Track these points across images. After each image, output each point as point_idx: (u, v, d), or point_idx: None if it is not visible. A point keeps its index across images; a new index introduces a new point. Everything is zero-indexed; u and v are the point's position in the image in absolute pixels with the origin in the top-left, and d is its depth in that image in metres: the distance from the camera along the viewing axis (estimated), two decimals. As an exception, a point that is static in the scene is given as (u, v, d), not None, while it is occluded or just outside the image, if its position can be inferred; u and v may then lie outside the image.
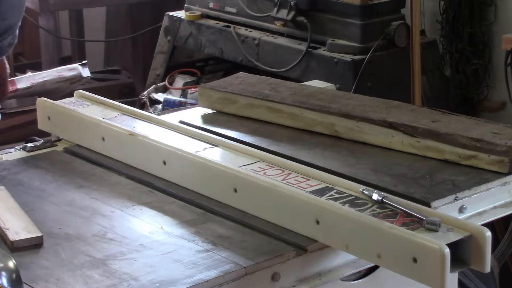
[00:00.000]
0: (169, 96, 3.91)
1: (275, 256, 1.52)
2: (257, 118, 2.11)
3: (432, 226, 1.46)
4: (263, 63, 3.93)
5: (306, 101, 2.08)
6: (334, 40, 3.84)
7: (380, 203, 1.56)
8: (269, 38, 3.98)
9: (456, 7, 4.25)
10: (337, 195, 1.62)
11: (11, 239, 1.58)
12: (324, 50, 3.85)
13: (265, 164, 1.77)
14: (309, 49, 3.81)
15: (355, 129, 1.97)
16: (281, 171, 1.74)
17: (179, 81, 4.05)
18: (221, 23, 3.98)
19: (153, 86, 4.03)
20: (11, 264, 1.35)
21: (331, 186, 1.66)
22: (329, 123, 2.00)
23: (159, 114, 2.26)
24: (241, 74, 2.31)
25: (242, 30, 3.91)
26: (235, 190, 1.70)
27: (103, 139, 1.99)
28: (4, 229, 1.62)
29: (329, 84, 2.55)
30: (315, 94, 2.15)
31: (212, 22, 4.01)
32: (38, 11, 4.72)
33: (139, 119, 2.03)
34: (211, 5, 4.04)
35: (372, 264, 1.61)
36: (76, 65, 3.80)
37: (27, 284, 1.44)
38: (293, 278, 1.53)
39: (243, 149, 1.84)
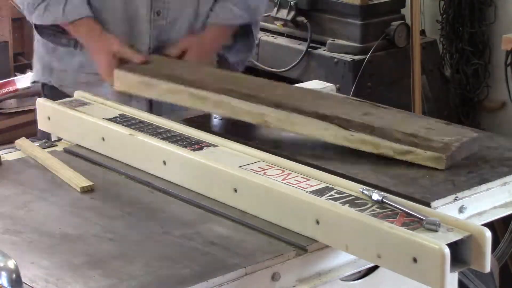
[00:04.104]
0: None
1: (275, 256, 1.52)
2: (178, 104, 2.12)
3: (432, 226, 1.46)
4: (263, 63, 3.93)
5: (233, 88, 2.05)
6: (334, 40, 3.84)
7: (380, 203, 1.56)
8: (269, 38, 3.98)
9: (456, 7, 4.25)
10: (337, 195, 1.62)
11: None
12: (324, 50, 3.85)
13: (265, 164, 1.77)
14: (309, 49, 3.82)
15: (286, 120, 1.94)
16: (281, 171, 1.74)
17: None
18: (221, 23, 3.97)
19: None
20: (11, 264, 1.35)
21: (331, 186, 1.66)
22: (258, 113, 1.97)
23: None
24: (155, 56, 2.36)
25: (242, 30, 3.91)
26: (235, 190, 1.70)
27: (103, 139, 1.99)
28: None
29: (329, 84, 2.55)
30: (240, 81, 2.15)
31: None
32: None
33: (140, 119, 2.03)
34: (211, 5, 4.03)
35: (372, 264, 1.61)
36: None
37: (27, 284, 1.44)
38: (293, 278, 1.53)
39: (243, 149, 1.84)
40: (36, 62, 2.54)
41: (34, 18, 2.37)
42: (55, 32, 2.42)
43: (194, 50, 2.37)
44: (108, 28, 2.36)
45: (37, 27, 2.41)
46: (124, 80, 2.22)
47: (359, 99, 2.12)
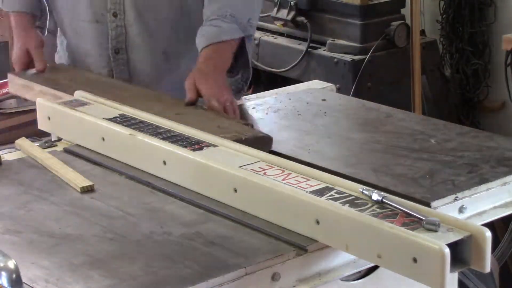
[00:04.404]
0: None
1: (275, 256, 1.52)
2: None
3: (432, 226, 1.46)
4: (263, 63, 3.94)
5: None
6: (334, 40, 3.85)
7: (380, 203, 1.56)
8: (269, 38, 3.98)
9: (456, 7, 4.26)
10: (337, 195, 1.62)
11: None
12: (324, 50, 3.86)
13: (265, 164, 1.77)
14: (309, 49, 3.82)
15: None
16: (281, 171, 1.74)
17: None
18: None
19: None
20: (11, 264, 1.35)
21: (331, 186, 1.66)
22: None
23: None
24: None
25: (242, 30, 3.91)
26: (235, 190, 1.70)
27: (103, 139, 1.99)
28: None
29: (329, 84, 2.55)
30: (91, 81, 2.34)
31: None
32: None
33: (140, 119, 2.03)
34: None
35: (372, 264, 1.61)
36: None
37: (27, 284, 1.44)
38: (293, 278, 1.53)
39: (243, 149, 1.84)
40: None
41: None
42: None
43: (203, 83, 2.20)
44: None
45: None
46: (13, 83, 2.52)
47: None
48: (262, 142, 1.95)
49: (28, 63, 2.53)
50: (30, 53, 2.51)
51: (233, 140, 1.87)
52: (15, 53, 2.54)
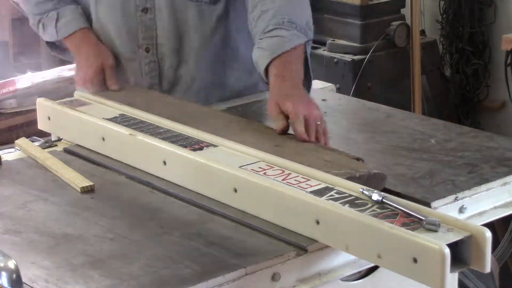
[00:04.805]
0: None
1: (275, 256, 1.52)
2: None
3: (432, 227, 1.46)
4: (263, 63, 3.92)
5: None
6: (334, 40, 3.85)
7: (380, 203, 1.56)
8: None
9: (456, 7, 4.26)
10: (337, 195, 1.62)
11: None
12: (324, 50, 3.86)
13: (265, 164, 1.77)
14: (309, 49, 3.80)
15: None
16: (281, 171, 1.73)
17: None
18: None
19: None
20: (11, 264, 1.35)
21: (331, 186, 1.66)
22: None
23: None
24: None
25: (242, 30, 3.91)
26: (235, 190, 1.70)
27: (103, 139, 1.99)
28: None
29: (329, 84, 2.55)
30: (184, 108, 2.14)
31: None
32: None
33: (140, 119, 2.03)
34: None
35: (372, 264, 1.61)
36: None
37: (27, 284, 1.44)
38: (293, 278, 1.53)
39: (243, 149, 1.84)
40: None
41: (41, 36, 2.41)
42: (61, 46, 2.42)
43: (288, 105, 1.95)
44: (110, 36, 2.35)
45: (47, 42, 2.42)
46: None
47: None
48: (376, 179, 1.73)
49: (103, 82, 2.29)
50: (106, 70, 2.28)
51: (346, 178, 1.67)
52: (89, 71, 2.27)
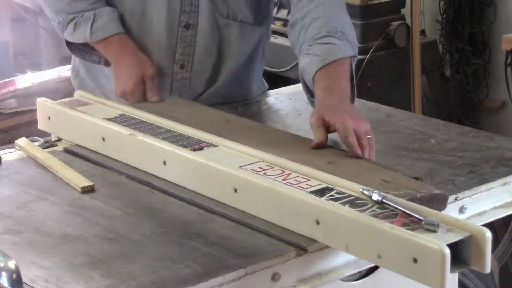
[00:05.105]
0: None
1: (275, 256, 1.52)
2: None
3: (431, 227, 1.46)
4: (263, 63, 3.92)
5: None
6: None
7: (379, 203, 1.56)
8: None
9: (456, 7, 4.26)
10: (337, 195, 1.62)
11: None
12: (324, 50, 3.84)
13: (265, 164, 1.77)
14: (309, 49, 3.80)
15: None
16: (281, 171, 1.74)
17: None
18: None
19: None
20: (11, 264, 1.35)
21: (331, 186, 1.66)
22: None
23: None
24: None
25: (242, 30, 3.91)
26: (235, 190, 1.70)
27: (103, 139, 1.99)
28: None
29: (329, 84, 2.54)
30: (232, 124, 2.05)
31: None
32: (38, 11, 4.72)
33: (140, 119, 2.03)
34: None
35: (372, 265, 1.61)
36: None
37: (27, 284, 1.44)
38: (293, 278, 1.53)
39: (243, 149, 1.84)
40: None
41: (65, 36, 2.29)
42: (86, 49, 2.32)
43: (334, 117, 1.88)
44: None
45: (68, 43, 2.32)
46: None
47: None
48: (438, 200, 1.66)
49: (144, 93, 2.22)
50: (147, 81, 2.21)
51: (407, 199, 1.59)
52: (129, 82, 2.19)
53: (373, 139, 1.88)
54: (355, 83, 2.07)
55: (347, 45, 2.06)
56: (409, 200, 1.59)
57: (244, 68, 2.35)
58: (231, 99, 2.35)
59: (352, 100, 2.03)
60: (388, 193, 1.59)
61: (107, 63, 2.30)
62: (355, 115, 1.91)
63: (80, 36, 2.26)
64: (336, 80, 2.00)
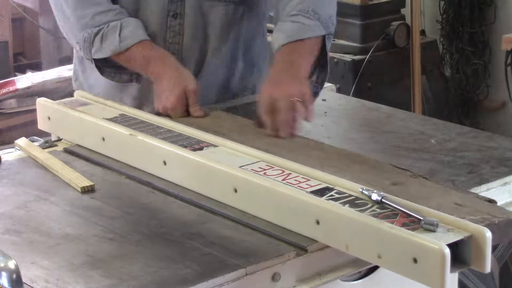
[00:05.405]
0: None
1: (275, 256, 1.52)
2: None
3: (430, 227, 1.46)
4: (263, 63, 3.92)
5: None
6: (334, 40, 3.84)
7: (379, 203, 1.56)
8: (269, 38, 3.97)
9: (456, 7, 4.26)
10: (337, 195, 1.62)
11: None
12: (324, 50, 3.84)
13: (265, 164, 1.77)
14: (309, 49, 3.80)
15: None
16: (281, 171, 1.74)
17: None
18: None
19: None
20: (11, 264, 1.35)
21: (331, 186, 1.66)
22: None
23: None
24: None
25: (242, 30, 3.91)
26: (235, 190, 1.70)
27: (103, 139, 1.99)
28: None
29: (329, 84, 2.55)
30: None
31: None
32: (38, 11, 4.72)
33: (140, 119, 2.03)
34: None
35: (372, 265, 1.61)
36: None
37: (28, 284, 1.44)
38: (294, 278, 1.53)
39: (243, 149, 1.84)
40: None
41: (93, 54, 2.20)
42: (115, 70, 2.25)
43: (275, 92, 1.95)
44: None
45: (98, 67, 2.23)
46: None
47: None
48: None
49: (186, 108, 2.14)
50: (189, 94, 2.13)
51: (485, 225, 1.48)
52: (170, 97, 2.12)
53: (307, 104, 1.95)
54: (328, 60, 2.13)
55: (317, 25, 2.12)
56: (486, 225, 1.49)
57: (233, 52, 2.36)
58: (224, 90, 2.36)
59: (322, 78, 2.15)
60: (464, 218, 1.51)
61: (138, 80, 2.27)
62: (296, 89, 1.96)
63: (109, 47, 2.19)
64: (297, 53, 2.05)
